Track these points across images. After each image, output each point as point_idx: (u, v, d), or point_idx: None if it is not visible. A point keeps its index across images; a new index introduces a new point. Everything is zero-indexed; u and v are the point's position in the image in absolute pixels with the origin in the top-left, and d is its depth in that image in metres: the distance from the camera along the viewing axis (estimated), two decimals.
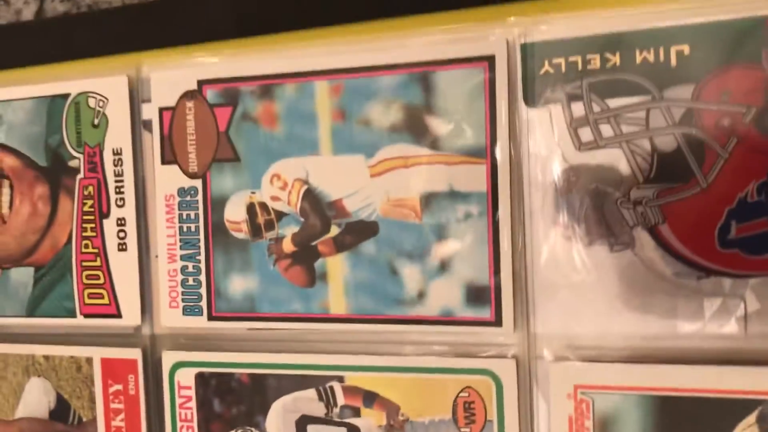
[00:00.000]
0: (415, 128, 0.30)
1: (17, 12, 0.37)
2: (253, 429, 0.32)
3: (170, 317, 0.33)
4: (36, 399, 0.36)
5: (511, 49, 0.28)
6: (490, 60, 0.29)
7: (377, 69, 0.30)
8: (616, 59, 0.27)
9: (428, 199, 0.30)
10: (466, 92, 0.29)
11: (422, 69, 0.29)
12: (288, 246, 0.32)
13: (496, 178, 0.29)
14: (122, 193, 0.33)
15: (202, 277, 0.32)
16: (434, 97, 0.29)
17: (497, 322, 0.29)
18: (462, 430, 0.30)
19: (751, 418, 0.26)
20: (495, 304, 0.29)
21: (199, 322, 0.33)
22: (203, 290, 0.32)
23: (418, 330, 0.30)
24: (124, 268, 0.33)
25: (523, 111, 0.28)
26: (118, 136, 0.33)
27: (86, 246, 0.34)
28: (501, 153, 0.29)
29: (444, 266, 0.29)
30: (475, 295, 0.29)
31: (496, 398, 0.29)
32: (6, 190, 0.35)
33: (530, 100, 0.28)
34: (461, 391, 0.29)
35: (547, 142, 0.28)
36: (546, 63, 0.28)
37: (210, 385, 0.32)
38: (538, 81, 0.28)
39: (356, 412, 0.31)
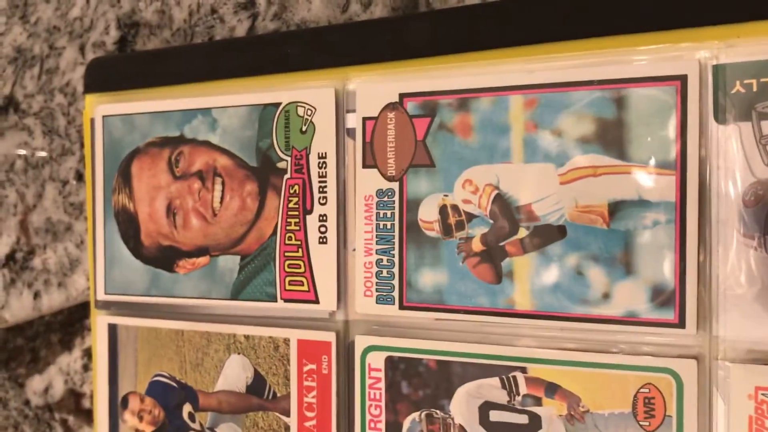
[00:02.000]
0: (605, 140, 0.32)
1: (231, 29, 0.41)
2: (438, 411, 0.35)
3: (364, 305, 0.37)
4: (235, 374, 0.40)
5: (703, 70, 0.31)
6: (682, 79, 0.31)
7: (572, 85, 0.33)
8: None
9: (616, 206, 0.32)
10: (657, 108, 0.31)
11: (616, 86, 0.32)
12: (477, 245, 0.34)
13: (684, 188, 0.31)
14: (325, 192, 0.37)
15: (396, 270, 0.36)
16: (626, 112, 0.32)
17: (680, 324, 0.31)
18: (641, 423, 0.32)
19: None
20: (679, 307, 0.31)
21: (391, 311, 0.36)
22: (396, 282, 0.36)
23: (601, 328, 0.32)
24: (323, 259, 0.37)
25: (713, 127, 0.30)
26: (323, 141, 0.37)
27: (289, 238, 0.38)
28: (690, 166, 0.31)
29: (630, 270, 0.32)
30: (660, 297, 0.31)
31: (676, 395, 0.31)
32: (218, 187, 0.40)
33: (720, 118, 0.30)
34: (642, 387, 0.31)
35: (735, 157, 0.30)
36: (737, 83, 0.30)
37: (399, 369, 0.36)
38: (728, 100, 0.30)
39: (538, 402, 0.33)
